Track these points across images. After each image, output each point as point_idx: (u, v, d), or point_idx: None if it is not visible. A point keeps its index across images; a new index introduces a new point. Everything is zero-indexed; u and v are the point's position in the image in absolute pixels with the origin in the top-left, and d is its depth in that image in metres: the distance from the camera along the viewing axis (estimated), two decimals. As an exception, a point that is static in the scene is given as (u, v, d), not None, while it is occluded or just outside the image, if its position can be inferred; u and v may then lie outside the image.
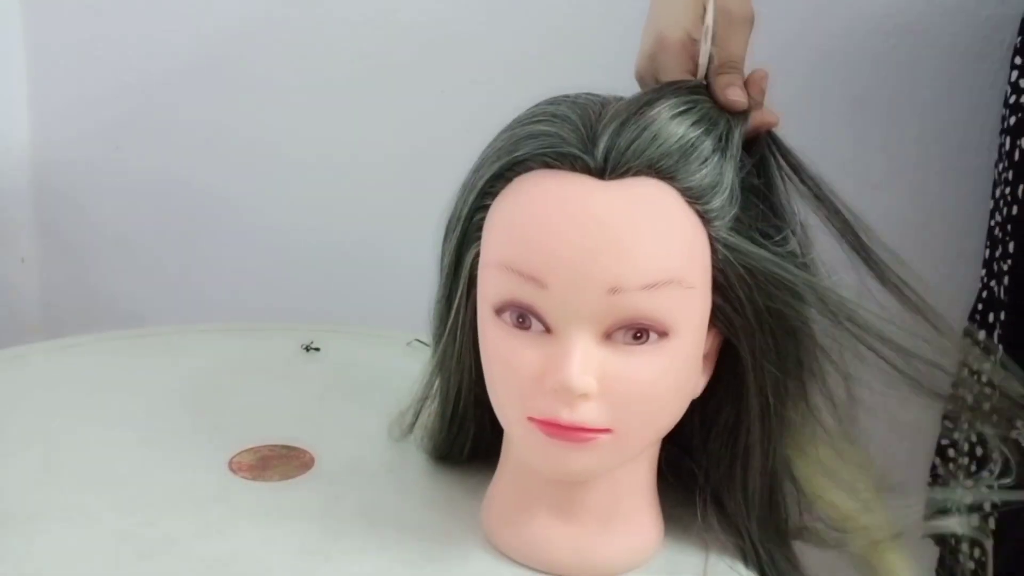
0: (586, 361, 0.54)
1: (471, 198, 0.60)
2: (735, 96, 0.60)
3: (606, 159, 0.54)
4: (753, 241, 0.58)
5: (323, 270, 1.24)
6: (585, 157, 0.55)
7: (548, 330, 0.55)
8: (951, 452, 0.86)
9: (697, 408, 0.63)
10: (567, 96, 0.59)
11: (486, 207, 0.59)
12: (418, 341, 0.93)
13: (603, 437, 0.55)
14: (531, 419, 0.56)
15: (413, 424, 0.74)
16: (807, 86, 1.03)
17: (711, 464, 0.65)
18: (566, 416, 0.54)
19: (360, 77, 1.18)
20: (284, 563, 0.61)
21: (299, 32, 1.19)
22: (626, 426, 0.56)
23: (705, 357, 0.60)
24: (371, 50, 1.17)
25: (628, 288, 0.53)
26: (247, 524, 0.65)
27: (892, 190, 1.03)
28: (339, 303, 1.23)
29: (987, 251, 0.88)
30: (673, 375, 0.56)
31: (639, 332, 0.54)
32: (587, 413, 0.55)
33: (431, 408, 0.71)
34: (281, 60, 1.21)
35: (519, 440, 0.59)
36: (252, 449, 0.75)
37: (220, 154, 1.27)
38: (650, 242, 0.54)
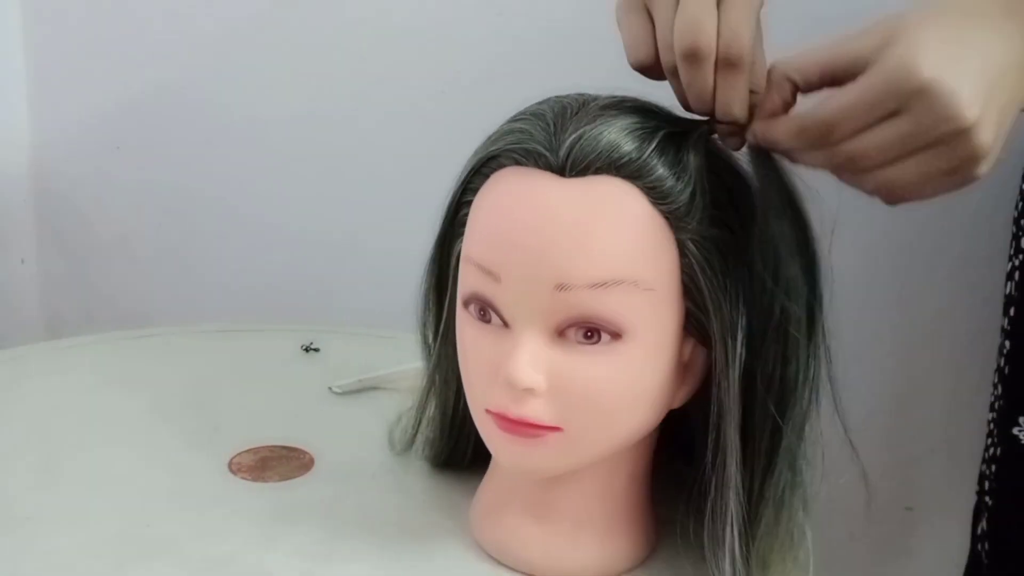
0: (534, 357, 0.54)
1: (454, 194, 0.61)
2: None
3: (568, 156, 0.54)
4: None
5: (323, 270, 1.24)
6: (548, 155, 0.54)
7: (505, 324, 0.56)
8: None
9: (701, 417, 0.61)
10: (557, 96, 0.59)
11: (468, 203, 0.59)
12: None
13: (552, 435, 0.55)
14: (488, 411, 0.56)
15: (414, 436, 0.73)
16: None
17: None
18: (514, 411, 0.55)
19: (361, 78, 1.18)
20: (283, 564, 0.61)
21: (299, 33, 1.19)
22: (576, 426, 0.55)
23: (687, 367, 0.58)
24: (371, 51, 1.16)
25: (575, 286, 0.53)
26: (247, 525, 0.65)
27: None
28: (339, 303, 1.23)
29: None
30: (627, 378, 0.55)
31: (590, 331, 0.54)
32: (534, 409, 0.55)
33: (430, 415, 0.71)
34: (281, 61, 1.20)
35: (482, 433, 0.59)
36: (252, 450, 0.75)
37: (220, 155, 1.27)
38: (602, 241, 0.53)
